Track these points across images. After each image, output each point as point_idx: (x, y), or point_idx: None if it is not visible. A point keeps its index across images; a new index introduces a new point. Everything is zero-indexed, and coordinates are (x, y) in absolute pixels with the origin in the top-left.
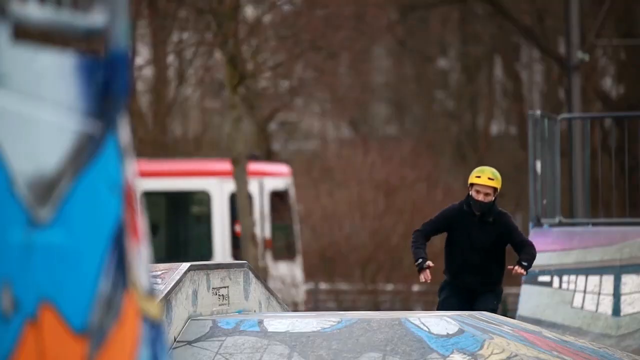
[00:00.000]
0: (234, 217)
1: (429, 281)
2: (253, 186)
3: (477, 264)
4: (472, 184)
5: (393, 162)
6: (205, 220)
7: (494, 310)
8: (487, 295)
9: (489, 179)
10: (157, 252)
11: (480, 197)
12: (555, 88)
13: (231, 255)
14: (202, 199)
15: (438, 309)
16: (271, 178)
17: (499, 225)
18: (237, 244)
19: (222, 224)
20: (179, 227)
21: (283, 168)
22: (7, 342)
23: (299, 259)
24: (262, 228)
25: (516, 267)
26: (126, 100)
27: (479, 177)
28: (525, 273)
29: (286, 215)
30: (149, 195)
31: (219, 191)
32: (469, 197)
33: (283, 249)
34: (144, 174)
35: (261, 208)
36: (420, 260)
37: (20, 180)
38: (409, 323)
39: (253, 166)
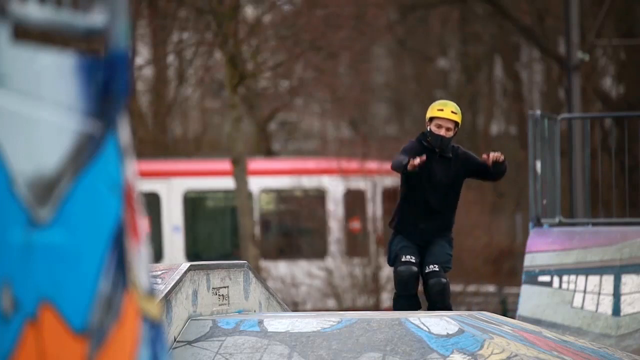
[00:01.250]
0: (349, 214)
1: (424, 160)
2: (366, 184)
3: (435, 205)
4: (432, 118)
5: None
6: (320, 217)
7: (450, 257)
8: (441, 242)
9: (452, 112)
10: (270, 247)
11: (442, 132)
12: (555, 88)
13: (346, 251)
14: (317, 196)
15: (396, 258)
16: (384, 176)
17: (458, 159)
18: (352, 241)
19: (336, 220)
20: (292, 223)
21: None
22: (7, 342)
23: None
24: (374, 225)
25: (492, 154)
26: (126, 100)
27: (441, 110)
28: (502, 158)
29: None
30: (268, 193)
31: (334, 189)
32: (429, 132)
33: None
34: (263, 173)
35: (374, 205)
36: (407, 161)
37: (20, 180)
38: (409, 323)
39: (367, 165)
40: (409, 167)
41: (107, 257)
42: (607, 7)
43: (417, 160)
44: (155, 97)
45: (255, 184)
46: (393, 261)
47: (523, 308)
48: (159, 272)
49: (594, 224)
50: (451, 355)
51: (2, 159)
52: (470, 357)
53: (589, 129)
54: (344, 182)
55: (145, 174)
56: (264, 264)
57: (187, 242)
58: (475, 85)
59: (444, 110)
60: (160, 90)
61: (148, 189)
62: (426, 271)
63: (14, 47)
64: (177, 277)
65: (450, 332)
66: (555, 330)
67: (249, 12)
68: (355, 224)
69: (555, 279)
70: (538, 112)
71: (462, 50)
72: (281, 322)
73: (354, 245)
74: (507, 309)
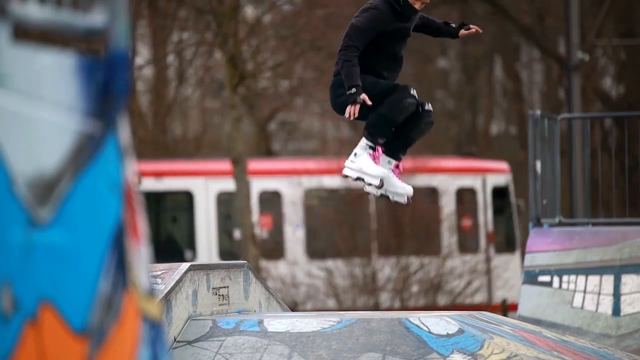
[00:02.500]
0: (460, 213)
1: (354, 117)
2: (477, 182)
3: (400, 53)
4: None
5: None
6: (434, 215)
7: None
8: None
9: None
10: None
11: (417, 5)
12: (555, 88)
13: (457, 248)
14: (430, 194)
15: (397, 87)
16: (493, 174)
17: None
18: (463, 238)
19: (448, 218)
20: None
21: (503, 165)
22: (7, 342)
23: (517, 252)
24: (485, 222)
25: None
26: (126, 100)
27: None
28: (474, 31)
29: (506, 210)
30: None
31: (446, 187)
32: (404, 0)
33: (503, 242)
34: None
35: (484, 203)
36: (355, 89)
37: (20, 180)
38: (409, 323)
39: (475, 163)
40: (348, 110)
41: (107, 257)
42: (607, 7)
43: (350, 113)
44: (155, 97)
45: None
46: (386, 92)
47: (523, 308)
48: (159, 272)
49: (594, 224)
50: (451, 355)
51: (2, 159)
52: (470, 357)
53: (589, 129)
54: (457, 181)
55: (268, 173)
56: (379, 260)
57: (308, 239)
58: (475, 85)
59: None
60: (160, 90)
61: (271, 188)
62: (426, 108)
63: (14, 47)
64: (177, 277)
65: (450, 332)
66: (555, 330)
67: (249, 12)
68: (466, 222)
69: (555, 279)
70: (538, 112)
71: (462, 50)
72: (281, 322)
73: (464, 242)
74: (507, 309)
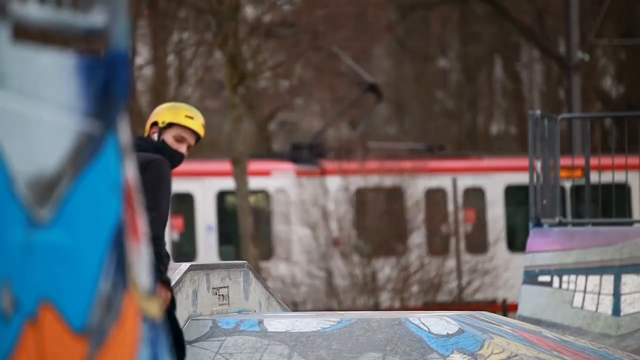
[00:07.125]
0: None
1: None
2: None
3: None
4: (173, 124)
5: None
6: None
7: None
8: None
9: (202, 125)
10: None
11: (183, 149)
12: (555, 88)
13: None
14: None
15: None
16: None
17: None
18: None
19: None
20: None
21: None
22: (7, 342)
23: None
24: None
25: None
26: (126, 100)
27: (191, 118)
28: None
29: None
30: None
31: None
32: (166, 146)
33: None
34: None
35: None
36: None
37: (20, 180)
38: (409, 323)
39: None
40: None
41: (107, 257)
42: (607, 7)
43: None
44: (155, 97)
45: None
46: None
47: (523, 308)
48: None
49: (594, 224)
50: (451, 355)
51: (2, 159)
52: (470, 357)
53: (589, 129)
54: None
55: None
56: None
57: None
58: (475, 85)
59: (195, 120)
60: (160, 90)
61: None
62: None
63: (14, 47)
64: (177, 277)
65: (450, 332)
66: (555, 330)
67: (249, 12)
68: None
69: (555, 279)
70: (538, 112)
71: (462, 50)
72: (281, 322)
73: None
74: (507, 309)
